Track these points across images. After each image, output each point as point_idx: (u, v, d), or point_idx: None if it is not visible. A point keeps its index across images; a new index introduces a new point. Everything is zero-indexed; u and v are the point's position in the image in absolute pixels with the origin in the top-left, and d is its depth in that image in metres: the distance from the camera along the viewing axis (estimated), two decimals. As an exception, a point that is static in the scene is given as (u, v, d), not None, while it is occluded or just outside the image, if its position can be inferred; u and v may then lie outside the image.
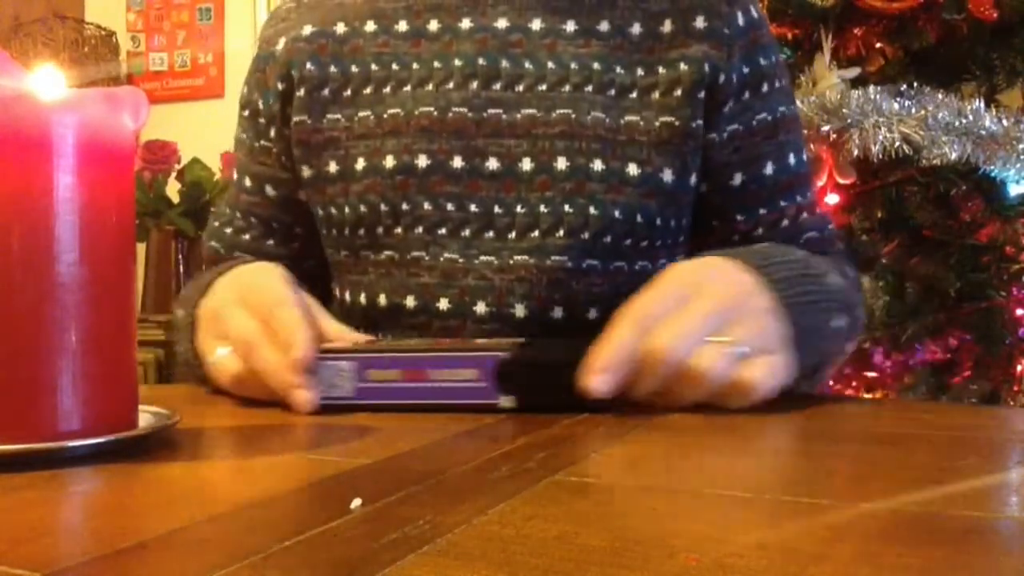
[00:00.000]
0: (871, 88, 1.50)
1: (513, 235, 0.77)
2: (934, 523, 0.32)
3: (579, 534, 0.30)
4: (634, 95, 0.79)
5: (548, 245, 0.76)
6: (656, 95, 0.79)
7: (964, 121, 1.44)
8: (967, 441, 0.48)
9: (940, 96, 1.49)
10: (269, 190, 0.89)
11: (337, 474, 0.39)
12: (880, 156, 1.46)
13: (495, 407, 0.56)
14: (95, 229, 0.43)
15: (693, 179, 0.81)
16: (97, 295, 0.43)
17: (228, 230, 0.91)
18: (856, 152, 1.48)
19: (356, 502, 0.34)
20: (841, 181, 1.63)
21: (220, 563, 0.27)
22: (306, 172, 0.84)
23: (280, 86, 0.85)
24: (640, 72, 0.80)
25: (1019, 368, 1.66)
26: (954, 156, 1.44)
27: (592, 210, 0.76)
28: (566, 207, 0.76)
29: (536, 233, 0.76)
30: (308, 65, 0.83)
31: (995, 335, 1.65)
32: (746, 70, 0.81)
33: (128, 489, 0.39)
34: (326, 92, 0.83)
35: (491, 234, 0.77)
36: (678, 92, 0.79)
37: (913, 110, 1.45)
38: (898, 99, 1.48)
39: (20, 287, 0.42)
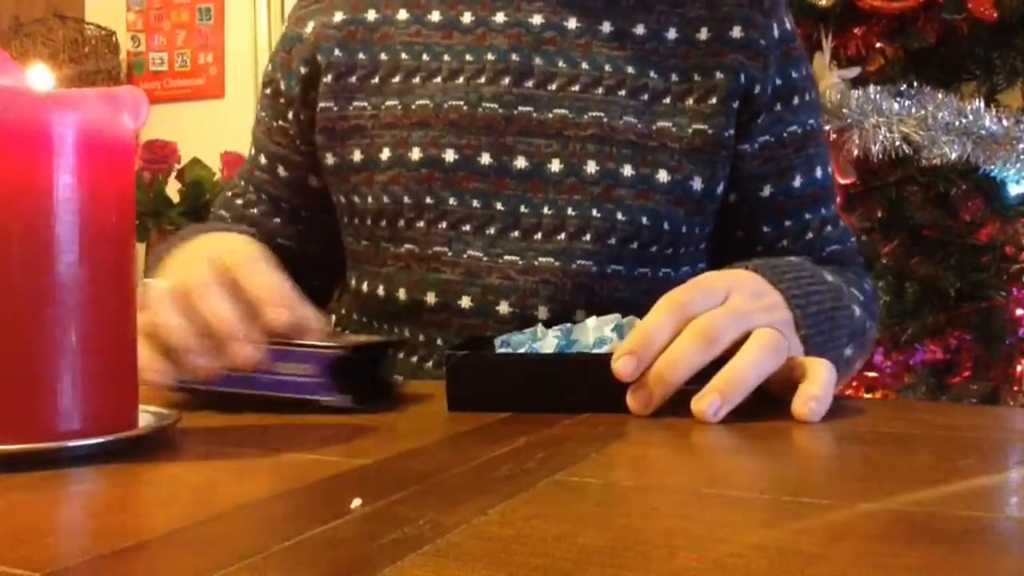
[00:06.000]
0: (871, 88, 1.50)
1: (539, 236, 0.76)
2: (934, 523, 0.32)
3: (579, 534, 0.30)
4: (667, 100, 0.78)
5: (574, 249, 0.76)
6: (690, 101, 0.78)
7: (964, 121, 1.44)
8: (967, 441, 0.48)
9: (940, 96, 1.49)
10: (281, 171, 0.89)
11: (337, 474, 0.39)
12: (880, 156, 1.46)
13: (329, 403, 0.56)
14: (95, 229, 0.43)
15: (720, 189, 0.80)
16: (97, 295, 0.43)
17: (239, 201, 0.91)
18: (856, 152, 1.48)
19: (356, 502, 0.34)
20: (841, 181, 1.63)
21: (220, 563, 0.27)
22: (330, 160, 0.83)
23: (303, 70, 0.84)
24: (674, 77, 0.79)
25: (1019, 368, 1.66)
26: (954, 156, 1.44)
27: (620, 216, 0.76)
28: (594, 211, 0.76)
29: (563, 236, 0.76)
30: (336, 52, 0.82)
31: (995, 335, 1.65)
32: (779, 82, 0.81)
33: (128, 489, 0.39)
34: (353, 79, 0.82)
35: (516, 233, 0.76)
36: (713, 100, 0.78)
37: (913, 110, 1.45)
38: (898, 99, 1.48)
39: (20, 287, 0.42)
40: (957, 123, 1.44)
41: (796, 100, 0.82)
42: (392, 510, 0.33)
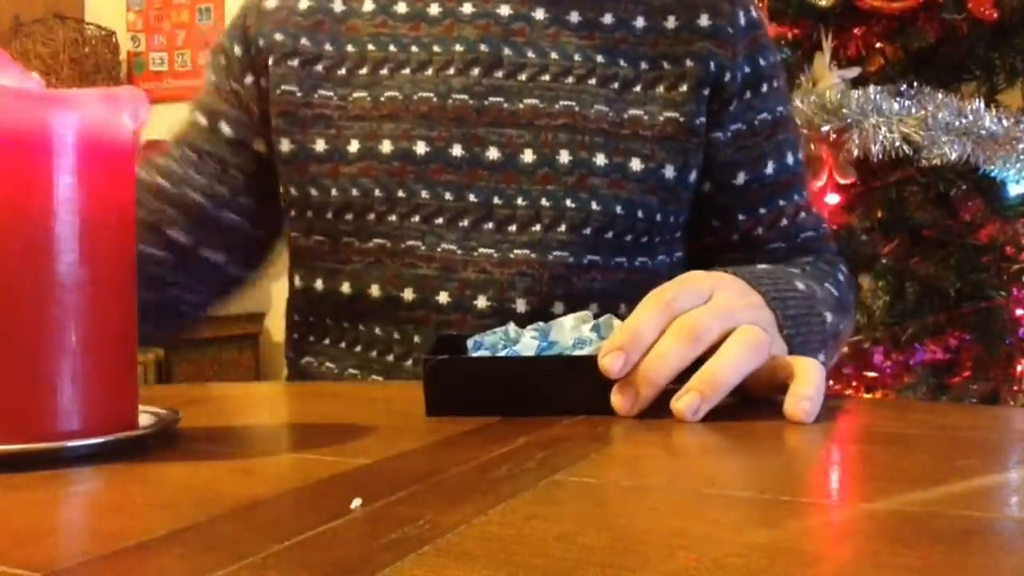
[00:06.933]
0: (871, 88, 1.51)
1: (514, 228, 0.76)
2: (934, 523, 0.32)
3: (579, 534, 0.30)
4: (637, 89, 0.79)
5: (550, 239, 0.76)
6: (660, 89, 0.79)
7: (964, 121, 1.44)
8: (967, 441, 0.48)
9: (940, 96, 1.49)
10: (225, 128, 0.85)
11: (337, 474, 0.39)
12: (880, 156, 1.47)
13: None
14: (95, 229, 0.43)
15: (693, 176, 0.81)
16: (97, 295, 0.43)
17: (160, 161, 0.86)
18: (856, 152, 1.48)
19: (356, 502, 0.34)
20: (841, 181, 1.63)
21: (220, 563, 0.27)
22: (285, 146, 0.81)
23: (260, 42, 0.82)
24: (644, 66, 0.79)
25: (1019, 368, 1.66)
26: (954, 156, 1.44)
27: (594, 205, 0.76)
28: (568, 201, 0.76)
29: (537, 227, 0.76)
30: (303, 40, 0.81)
31: (995, 335, 1.65)
32: (748, 69, 0.82)
33: (128, 489, 0.39)
34: (319, 68, 0.81)
35: (491, 225, 0.76)
36: (683, 88, 0.79)
37: (913, 110, 1.46)
38: (898, 99, 1.48)
39: (20, 287, 0.42)
40: (957, 123, 1.44)
41: (765, 87, 0.83)
42: (392, 510, 0.33)
